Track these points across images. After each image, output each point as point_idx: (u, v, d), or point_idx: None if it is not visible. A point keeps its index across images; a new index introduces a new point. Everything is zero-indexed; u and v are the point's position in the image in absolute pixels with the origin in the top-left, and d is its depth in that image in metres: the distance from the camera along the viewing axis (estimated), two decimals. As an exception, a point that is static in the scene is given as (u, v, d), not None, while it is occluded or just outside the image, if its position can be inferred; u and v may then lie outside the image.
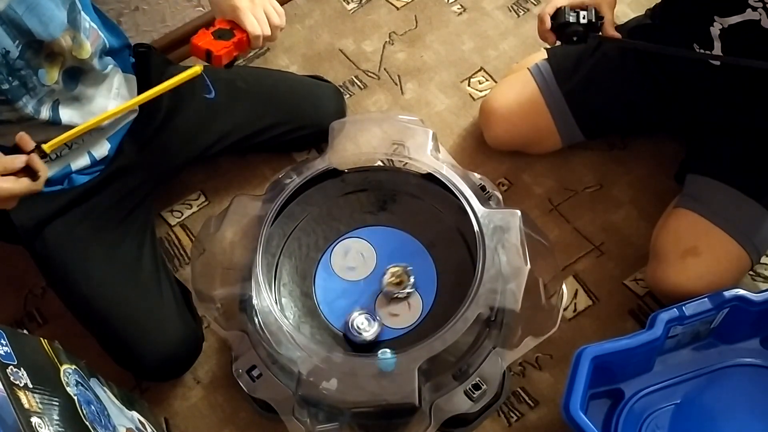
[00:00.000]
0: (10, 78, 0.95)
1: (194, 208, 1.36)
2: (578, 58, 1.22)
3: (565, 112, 1.22)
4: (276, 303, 1.03)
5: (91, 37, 1.04)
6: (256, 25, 0.99)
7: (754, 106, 1.08)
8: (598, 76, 1.20)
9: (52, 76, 1.01)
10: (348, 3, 1.58)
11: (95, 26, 1.05)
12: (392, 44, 1.52)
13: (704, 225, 1.06)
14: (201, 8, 1.50)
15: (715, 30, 1.01)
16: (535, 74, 1.24)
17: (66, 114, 1.05)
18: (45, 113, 1.02)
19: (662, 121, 1.23)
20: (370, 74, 1.48)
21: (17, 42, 0.93)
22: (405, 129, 1.16)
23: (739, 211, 1.06)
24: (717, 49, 1.02)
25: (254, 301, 1.01)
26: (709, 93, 1.11)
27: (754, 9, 0.94)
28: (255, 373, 1.01)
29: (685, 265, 1.07)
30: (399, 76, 1.48)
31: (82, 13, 1.02)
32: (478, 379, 0.99)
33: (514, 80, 1.29)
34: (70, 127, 1.04)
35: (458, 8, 1.55)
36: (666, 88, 1.17)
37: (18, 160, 0.87)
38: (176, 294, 1.16)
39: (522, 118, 1.25)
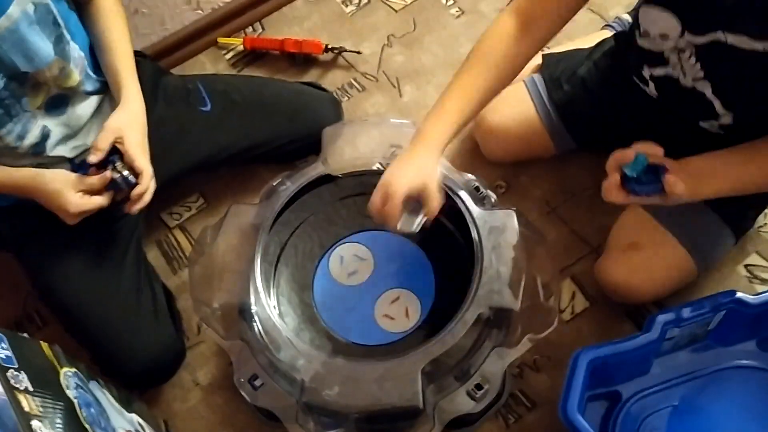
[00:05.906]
0: None
1: (193, 211, 1.36)
2: (572, 69, 1.23)
3: (557, 123, 1.23)
4: (275, 310, 1.03)
5: (79, 66, 1.04)
6: None
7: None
8: (589, 86, 1.21)
9: (35, 103, 1.01)
10: (346, 6, 1.58)
11: (83, 53, 1.05)
12: (390, 47, 1.52)
13: (650, 222, 1.10)
14: (200, 11, 1.50)
15: (647, 73, 1.04)
16: (530, 87, 1.25)
17: (53, 139, 1.05)
18: (31, 139, 1.02)
19: (645, 132, 1.21)
20: (368, 77, 1.49)
21: (1, 74, 0.94)
22: (402, 132, 1.17)
23: (686, 214, 1.07)
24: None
25: (253, 310, 1.01)
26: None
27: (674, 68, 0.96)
28: (257, 382, 1.00)
29: (626, 257, 1.11)
30: (397, 79, 1.48)
31: (71, 43, 1.01)
32: (480, 378, 0.99)
33: (509, 94, 1.24)
34: (62, 155, 1.07)
35: (456, 11, 1.55)
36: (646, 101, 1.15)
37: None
38: (158, 304, 1.15)
39: (518, 136, 1.26)
